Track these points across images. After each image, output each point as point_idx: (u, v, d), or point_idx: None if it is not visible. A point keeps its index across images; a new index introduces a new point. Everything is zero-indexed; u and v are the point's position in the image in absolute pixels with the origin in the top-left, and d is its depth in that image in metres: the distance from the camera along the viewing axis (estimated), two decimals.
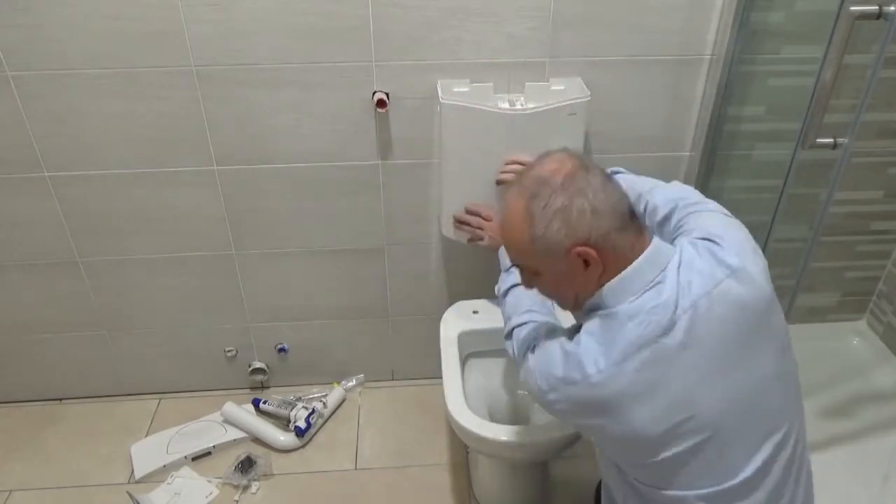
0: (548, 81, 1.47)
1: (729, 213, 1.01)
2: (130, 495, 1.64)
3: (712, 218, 0.98)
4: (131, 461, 1.74)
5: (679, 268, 0.88)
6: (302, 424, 1.78)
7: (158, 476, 1.71)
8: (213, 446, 1.78)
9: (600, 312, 0.89)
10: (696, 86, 1.52)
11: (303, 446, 1.80)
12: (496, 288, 1.27)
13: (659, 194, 1.09)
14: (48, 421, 1.88)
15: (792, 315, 1.35)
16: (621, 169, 1.24)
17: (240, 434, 1.81)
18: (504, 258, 1.26)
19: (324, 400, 1.88)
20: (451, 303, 1.68)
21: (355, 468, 1.75)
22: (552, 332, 1.00)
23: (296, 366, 1.94)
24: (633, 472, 0.97)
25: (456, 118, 1.41)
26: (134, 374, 1.92)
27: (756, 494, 0.89)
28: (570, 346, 0.91)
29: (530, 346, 1.01)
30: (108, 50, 1.39)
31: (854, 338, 2.01)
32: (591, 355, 0.87)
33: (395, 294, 1.82)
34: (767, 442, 0.89)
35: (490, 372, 1.61)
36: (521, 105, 1.43)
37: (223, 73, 1.43)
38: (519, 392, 1.60)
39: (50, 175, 1.55)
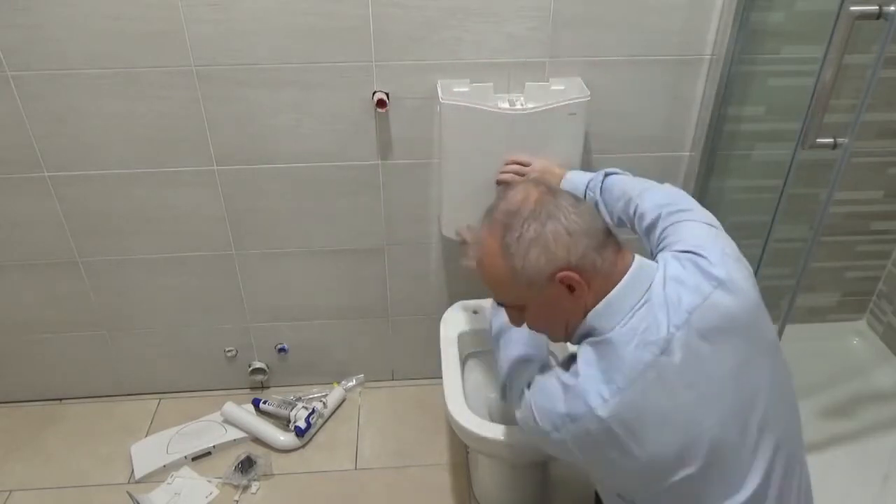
0: (548, 81, 1.47)
1: (712, 222, 1.00)
2: (130, 495, 1.64)
3: (694, 228, 0.97)
4: (131, 461, 1.74)
5: (665, 284, 0.87)
6: (302, 424, 1.78)
7: (158, 476, 1.71)
8: (213, 446, 1.78)
9: (592, 340, 0.88)
10: (696, 86, 1.52)
11: (303, 446, 1.80)
12: (489, 325, 1.23)
13: (648, 199, 1.08)
14: (48, 421, 1.88)
15: (792, 315, 1.35)
16: (616, 170, 1.24)
17: (240, 434, 1.81)
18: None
19: (324, 400, 1.88)
20: (451, 303, 1.68)
21: (355, 468, 1.75)
22: (546, 367, 0.98)
23: (296, 366, 1.94)
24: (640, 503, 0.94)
25: (456, 118, 1.41)
26: (134, 374, 1.92)
27: None
28: (568, 379, 0.88)
29: (526, 384, 0.99)
30: (108, 50, 1.39)
31: (854, 338, 2.01)
32: (593, 386, 0.85)
33: (395, 294, 1.82)
34: (768, 452, 0.88)
35: (490, 372, 1.61)
36: (521, 105, 1.43)
37: (223, 73, 1.43)
38: None
39: (50, 175, 1.55)
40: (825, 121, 1.15)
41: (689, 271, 0.88)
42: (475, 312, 1.62)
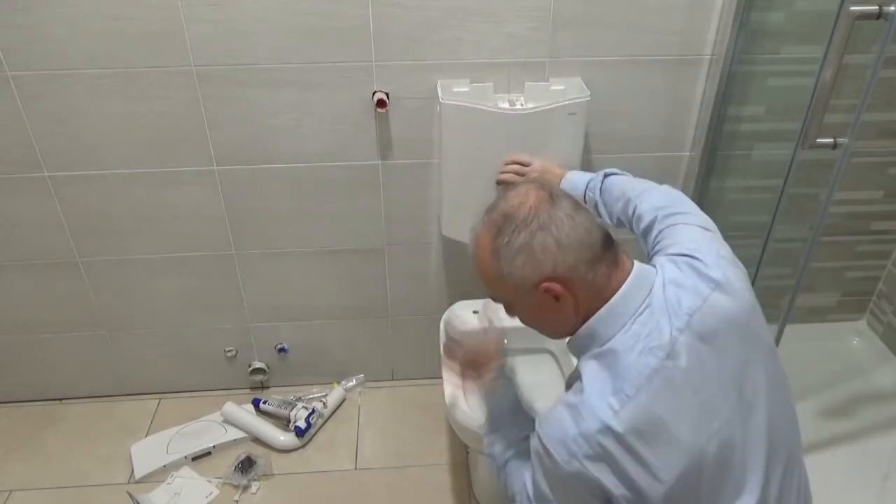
0: (548, 81, 1.47)
1: (707, 225, 0.99)
2: (130, 495, 1.64)
3: (690, 231, 0.97)
4: (131, 461, 1.74)
5: (664, 287, 0.87)
6: (302, 424, 1.78)
7: (158, 476, 1.71)
8: (213, 446, 1.78)
9: (595, 352, 0.87)
10: (696, 86, 1.52)
11: (303, 446, 1.80)
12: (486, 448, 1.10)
13: (645, 201, 1.09)
14: (48, 421, 1.88)
15: (792, 315, 1.35)
16: (616, 170, 1.24)
17: (240, 434, 1.81)
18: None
19: (324, 400, 1.88)
20: (451, 303, 1.68)
21: (355, 468, 1.75)
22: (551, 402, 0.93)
23: (296, 366, 1.94)
24: None
25: (456, 118, 1.41)
26: (134, 374, 1.92)
27: None
28: (573, 398, 0.85)
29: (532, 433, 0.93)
30: (108, 50, 1.39)
31: (854, 338, 2.01)
32: (600, 399, 0.82)
33: (395, 294, 1.82)
34: (768, 453, 0.88)
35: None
36: (521, 105, 1.43)
37: (223, 73, 1.43)
38: (519, 392, 1.60)
39: (50, 175, 1.55)
40: (825, 121, 1.15)
41: (686, 274, 0.88)
42: (475, 312, 1.62)
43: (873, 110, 1.63)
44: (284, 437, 1.79)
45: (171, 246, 1.68)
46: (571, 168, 1.39)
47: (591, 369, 0.86)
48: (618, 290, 0.86)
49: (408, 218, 1.68)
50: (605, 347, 0.86)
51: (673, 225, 0.99)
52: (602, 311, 0.86)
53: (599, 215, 1.23)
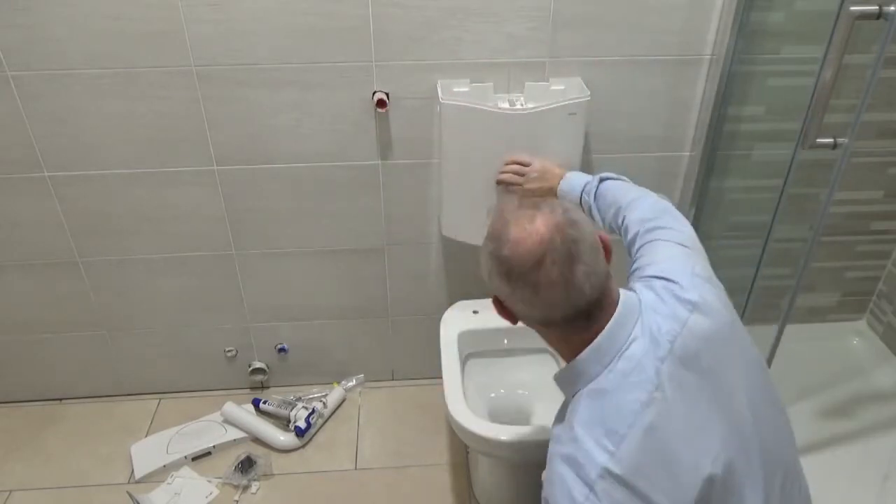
0: (548, 81, 1.47)
1: (685, 241, 0.99)
2: (130, 495, 1.64)
3: (666, 250, 0.97)
4: (131, 461, 1.74)
5: (643, 316, 0.86)
6: (302, 424, 1.78)
7: (158, 476, 1.71)
8: (213, 446, 1.78)
9: (583, 391, 0.86)
10: (696, 86, 1.52)
11: (303, 446, 1.80)
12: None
13: (632, 212, 1.09)
14: (48, 421, 1.88)
15: (792, 315, 1.35)
16: (612, 174, 1.24)
17: (240, 434, 1.81)
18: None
19: (324, 400, 1.88)
20: (451, 303, 1.68)
21: (355, 468, 1.75)
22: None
23: (296, 366, 1.94)
24: None
25: (456, 118, 1.41)
26: (134, 374, 1.92)
27: None
28: (567, 449, 0.84)
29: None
30: (108, 50, 1.39)
31: (854, 338, 2.01)
32: (595, 444, 0.80)
33: (395, 294, 1.82)
34: (765, 467, 0.87)
35: (490, 372, 1.61)
36: (521, 105, 1.43)
37: (223, 73, 1.43)
38: (519, 392, 1.60)
39: (50, 175, 1.55)
40: (825, 121, 1.15)
41: (664, 298, 0.87)
42: (475, 312, 1.62)
43: (873, 110, 1.63)
44: (284, 437, 1.79)
45: (171, 246, 1.68)
46: (571, 168, 1.39)
47: (581, 411, 0.85)
48: (602, 329, 0.85)
49: (408, 218, 1.68)
50: (591, 386, 0.85)
51: (653, 241, 1.00)
52: (586, 351, 0.85)
53: (593, 219, 1.23)
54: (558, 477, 0.83)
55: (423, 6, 1.38)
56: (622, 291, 0.88)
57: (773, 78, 1.54)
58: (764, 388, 0.91)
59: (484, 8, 1.39)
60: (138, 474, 1.71)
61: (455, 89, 1.44)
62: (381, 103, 1.46)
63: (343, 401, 1.93)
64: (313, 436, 1.83)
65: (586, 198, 1.25)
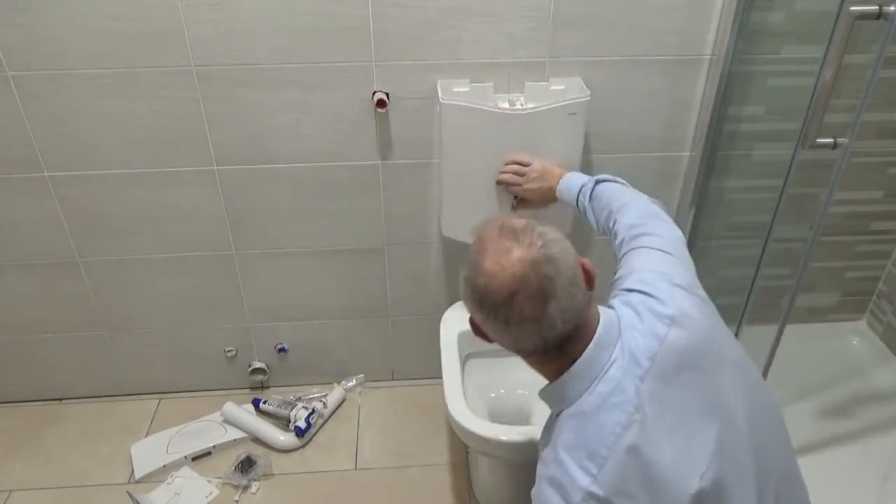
0: (548, 81, 1.47)
1: (667, 247, 0.98)
2: (130, 495, 1.64)
3: (648, 258, 0.97)
4: (131, 461, 1.74)
5: (622, 336, 0.86)
6: (302, 424, 1.78)
7: (158, 476, 1.71)
8: (213, 446, 1.78)
9: (565, 412, 0.86)
10: (695, 86, 1.52)
11: (303, 446, 1.80)
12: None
13: (622, 216, 1.09)
14: (48, 421, 1.88)
15: (792, 315, 1.35)
16: (608, 176, 1.24)
17: (240, 434, 1.81)
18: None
19: (324, 400, 1.88)
20: (451, 303, 1.68)
21: (355, 468, 1.75)
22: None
23: (296, 366, 1.94)
24: None
25: (456, 118, 1.41)
26: (134, 374, 1.92)
27: None
28: (553, 471, 0.85)
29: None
30: (108, 50, 1.39)
31: (854, 338, 2.01)
32: (578, 466, 0.82)
33: (395, 294, 1.82)
34: (758, 480, 0.86)
35: (490, 372, 1.61)
36: (521, 105, 1.43)
37: (223, 73, 1.43)
38: (519, 392, 1.60)
39: (50, 175, 1.55)
40: (825, 121, 1.15)
41: (643, 315, 0.87)
42: None
43: (873, 110, 1.63)
44: (284, 437, 1.79)
45: (171, 246, 1.68)
46: (571, 168, 1.39)
47: (564, 434, 0.85)
48: (580, 355, 0.85)
49: (408, 218, 1.68)
50: (572, 409, 0.85)
51: (636, 248, 1.00)
52: (565, 376, 0.86)
53: (588, 221, 1.24)
54: (544, 498, 0.85)
55: (423, 6, 1.38)
56: (602, 311, 0.88)
57: (773, 78, 1.54)
58: (756, 394, 0.90)
59: (484, 8, 1.39)
60: (138, 474, 1.71)
61: (455, 89, 1.44)
62: (381, 103, 1.46)
63: (343, 401, 1.93)
64: (313, 436, 1.83)
65: (582, 199, 1.25)
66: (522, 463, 1.51)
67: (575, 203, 1.28)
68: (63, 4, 1.33)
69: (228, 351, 1.89)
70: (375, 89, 1.47)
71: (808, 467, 0.99)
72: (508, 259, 0.81)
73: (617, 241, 1.07)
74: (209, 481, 1.70)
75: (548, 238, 0.83)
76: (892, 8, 1.03)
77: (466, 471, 1.73)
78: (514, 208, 1.47)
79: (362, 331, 1.89)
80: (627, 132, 1.57)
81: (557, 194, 1.33)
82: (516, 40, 1.44)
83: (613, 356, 0.84)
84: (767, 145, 1.61)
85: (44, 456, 1.78)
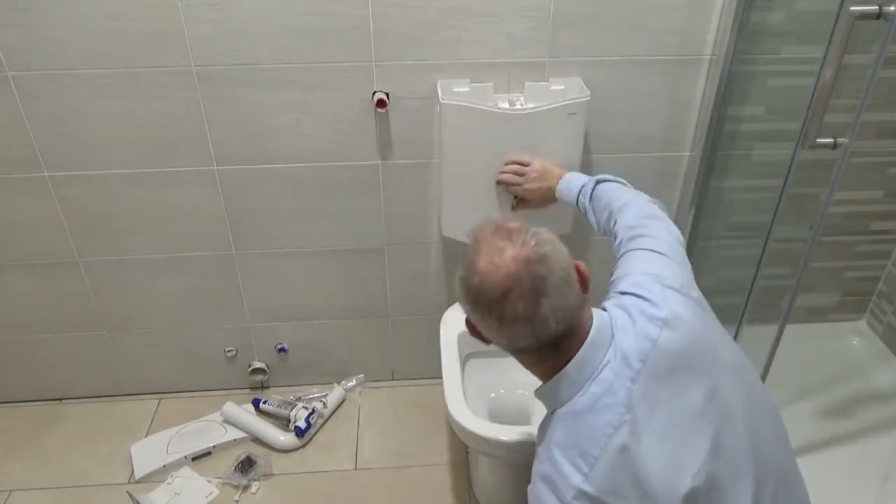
0: (548, 81, 1.47)
1: (663, 248, 0.99)
2: (130, 495, 1.64)
3: (644, 259, 0.97)
4: (131, 461, 1.74)
5: (615, 338, 0.87)
6: (302, 424, 1.78)
7: (158, 476, 1.71)
8: (213, 446, 1.78)
9: (558, 412, 0.87)
10: (695, 86, 1.52)
11: (303, 446, 1.80)
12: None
13: (622, 217, 1.10)
14: (48, 421, 1.88)
15: (792, 315, 1.35)
16: (608, 177, 1.24)
17: (240, 434, 1.81)
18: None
19: (324, 400, 1.88)
20: (451, 303, 1.68)
21: (355, 468, 1.75)
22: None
23: (296, 366, 1.94)
24: None
25: (456, 118, 1.41)
26: (134, 374, 1.92)
27: None
28: (546, 470, 0.86)
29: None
30: (108, 50, 1.39)
31: (854, 338, 2.01)
32: (569, 465, 0.83)
33: (395, 294, 1.82)
34: (756, 480, 0.86)
35: (490, 372, 1.61)
36: (521, 105, 1.43)
37: (223, 73, 1.43)
38: (519, 392, 1.60)
39: (50, 175, 1.55)
40: (825, 121, 1.15)
41: (635, 318, 0.87)
42: None
43: (873, 110, 1.63)
44: (284, 437, 1.79)
45: (171, 246, 1.68)
46: (571, 168, 1.40)
47: (557, 433, 0.87)
48: (573, 356, 0.86)
49: (408, 218, 1.68)
50: (565, 409, 0.86)
51: (632, 250, 1.01)
52: (558, 377, 0.87)
53: (588, 222, 1.24)
54: (538, 495, 0.86)
55: (423, 6, 1.38)
56: (596, 314, 0.88)
57: (773, 78, 1.54)
58: (754, 395, 0.91)
59: (484, 8, 1.39)
60: (138, 474, 1.71)
61: (455, 89, 1.44)
62: (381, 103, 1.46)
63: (343, 401, 1.93)
64: (313, 436, 1.83)
65: (582, 199, 1.25)
66: (522, 463, 1.51)
67: (575, 203, 1.28)
68: (63, 4, 1.33)
69: (228, 351, 1.89)
70: (375, 89, 1.47)
71: (808, 467, 0.99)
72: (502, 258, 0.82)
73: (615, 243, 1.08)
74: (209, 481, 1.70)
75: (541, 238, 0.85)
76: (892, 8, 1.03)
77: (466, 471, 1.73)
78: (514, 208, 1.47)
79: (362, 331, 1.89)
80: (627, 132, 1.57)
81: (557, 194, 1.33)
82: (516, 40, 1.44)
83: (606, 358, 0.85)
84: (767, 145, 1.61)
85: (44, 456, 1.78)
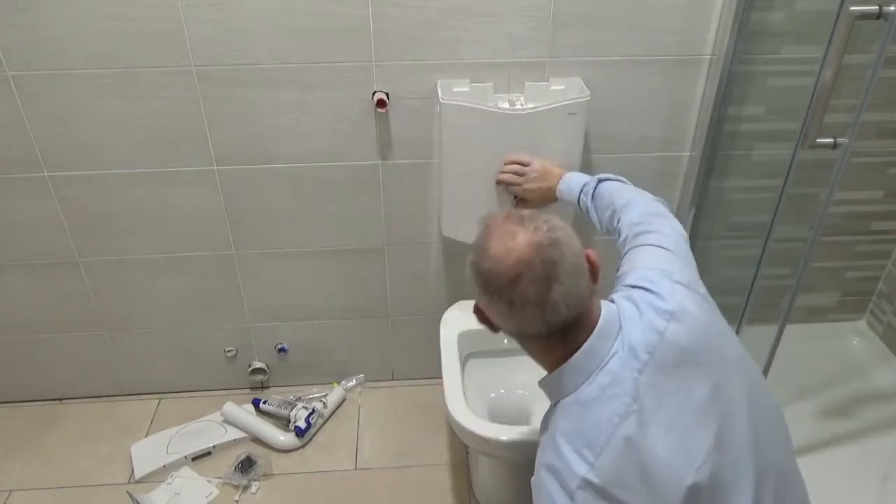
0: (548, 81, 1.47)
1: (668, 244, 0.99)
2: (130, 495, 1.64)
3: (649, 256, 0.98)
4: (131, 461, 1.74)
5: (622, 329, 0.87)
6: (302, 424, 1.78)
7: (158, 476, 1.71)
8: (213, 446, 1.78)
9: (563, 402, 0.87)
10: (695, 86, 1.52)
11: (303, 446, 1.80)
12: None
13: (625, 214, 1.10)
14: (48, 421, 1.88)
15: (792, 315, 1.35)
16: (610, 175, 1.24)
17: (240, 434, 1.81)
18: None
19: (324, 400, 1.88)
20: (451, 303, 1.68)
21: (355, 468, 1.75)
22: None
23: (296, 366, 1.94)
24: None
25: (456, 118, 1.41)
26: (134, 374, 1.92)
27: None
28: (551, 459, 0.86)
29: None
30: (108, 50, 1.39)
31: (854, 338, 2.01)
32: (575, 454, 0.83)
33: (395, 294, 1.82)
34: (757, 477, 0.86)
35: (490, 372, 1.61)
36: (521, 105, 1.43)
37: (223, 73, 1.43)
38: (519, 392, 1.60)
39: (50, 175, 1.55)
40: (825, 121, 1.15)
41: (643, 310, 0.88)
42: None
43: (873, 110, 1.63)
44: (284, 437, 1.79)
45: (171, 246, 1.68)
46: (571, 168, 1.39)
47: (562, 422, 0.86)
48: (582, 345, 0.86)
49: (408, 218, 1.68)
50: (571, 399, 0.86)
51: (637, 246, 1.01)
52: (566, 366, 0.87)
53: (590, 221, 1.24)
54: (543, 484, 0.86)
55: (423, 6, 1.38)
56: (604, 305, 0.89)
57: (773, 78, 1.54)
58: (756, 392, 0.91)
59: (484, 8, 1.39)
60: (138, 474, 1.71)
61: (455, 89, 1.44)
62: (381, 103, 1.46)
63: (343, 401, 1.93)
64: (313, 436, 1.83)
65: (584, 199, 1.25)
66: (522, 463, 1.51)
67: (577, 203, 1.28)
68: (63, 4, 1.33)
69: (228, 351, 1.89)
70: (375, 89, 1.47)
71: (808, 467, 0.99)
72: (514, 242, 0.82)
73: (620, 240, 1.08)
74: (209, 481, 1.70)
75: (553, 224, 0.85)
76: (892, 8, 1.03)
77: (466, 471, 1.73)
78: (514, 208, 1.47)
79: (362, 331, 1.89)
80: (627, 132, 1.57)
81: (558, 194, 1.33)
82: (516, 40, 1.44)
83: (614, 349, 0.85)
84: (767, 145, 1.61)
85: (44, 456, 1.78)
